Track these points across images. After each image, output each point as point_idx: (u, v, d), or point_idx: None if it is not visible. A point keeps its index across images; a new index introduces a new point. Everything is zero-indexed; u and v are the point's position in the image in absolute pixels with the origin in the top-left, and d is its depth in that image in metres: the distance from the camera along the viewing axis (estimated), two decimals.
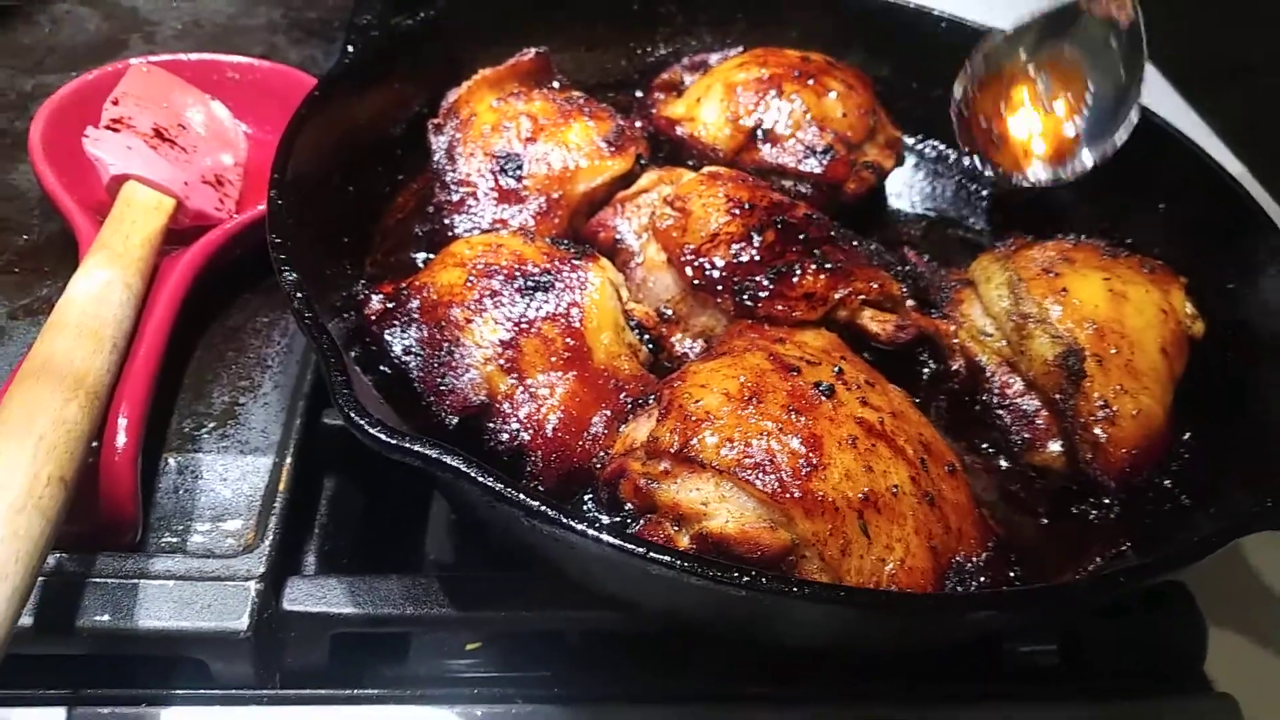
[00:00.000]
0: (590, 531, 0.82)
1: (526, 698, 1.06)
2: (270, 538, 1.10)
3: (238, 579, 1.05)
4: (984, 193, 1.66)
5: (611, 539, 0.82)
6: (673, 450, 1.00)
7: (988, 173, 1.56)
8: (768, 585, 0.82)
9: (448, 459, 0.87)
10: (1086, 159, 1.47)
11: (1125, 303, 1.23)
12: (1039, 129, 1.55)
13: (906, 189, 1.69)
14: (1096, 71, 1.50)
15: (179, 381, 1.27)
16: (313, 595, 1.06)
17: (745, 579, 0.81)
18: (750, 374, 1.06)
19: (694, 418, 1.02)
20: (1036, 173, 1.52)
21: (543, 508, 0.83)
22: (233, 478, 1.18)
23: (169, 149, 1.41)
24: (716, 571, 0.82)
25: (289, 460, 1.18)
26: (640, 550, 0.82)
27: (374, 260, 1.35)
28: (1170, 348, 1.24)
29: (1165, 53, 1.60)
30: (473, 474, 0.86)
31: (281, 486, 1.16)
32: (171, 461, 1.19)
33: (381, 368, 1.15)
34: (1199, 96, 2.21)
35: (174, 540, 1.12)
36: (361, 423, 0.88)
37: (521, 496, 0.84)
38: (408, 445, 0.87)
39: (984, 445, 1.23)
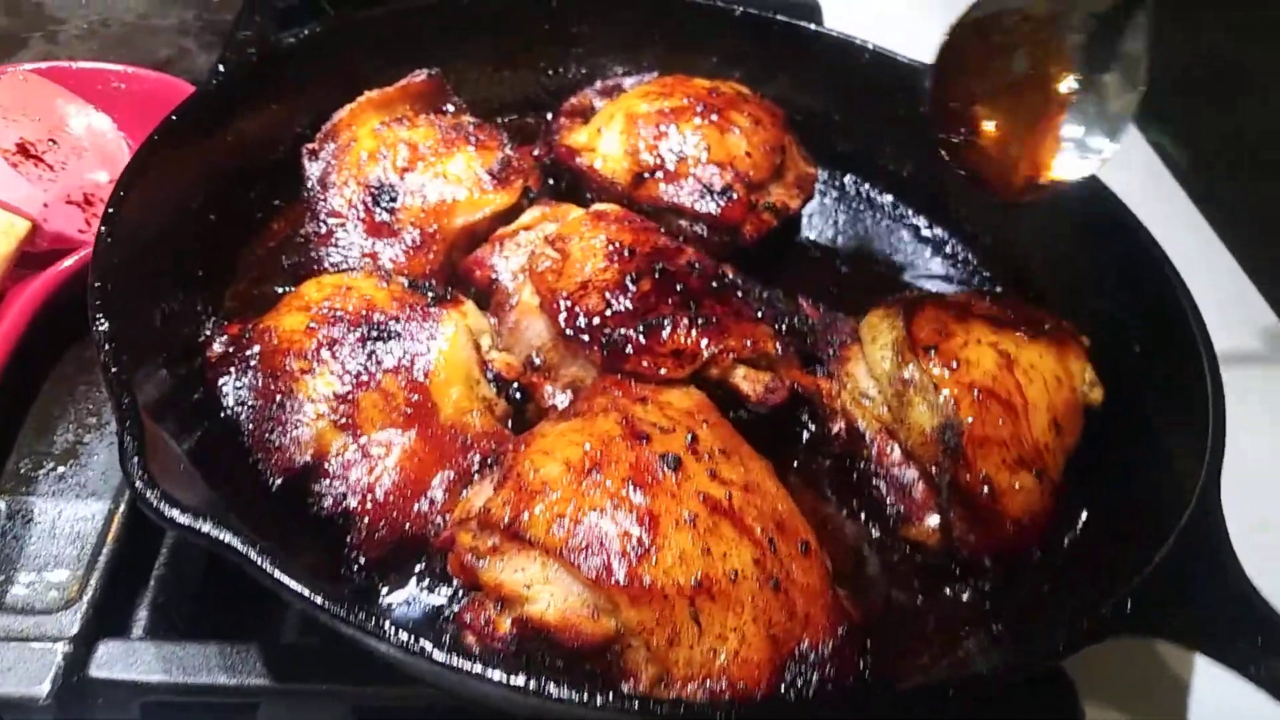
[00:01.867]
0: (364, 634, 0.76)
1: None
2: (90, 593, 1.04)
3: (46, 639, 0.99)
4: (903, 233, 1.61)
5: (391, 642, 0.76)
6: (503, 524, 0.94)
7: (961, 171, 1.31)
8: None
9: (227, 538, 0.81)
10: (1077, 168, 1.25)
11: (1015, 369, 1.17)
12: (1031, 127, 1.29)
13: (825, 225, 1.62)
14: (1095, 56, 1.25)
15: (22, 416, 1.21)
16: (123, 660, 1.00)
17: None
18: (596, 441, 1.00)
19: (529, 489, 0.96)
20: (1023, 190, 1.29)
21: (318, 602, 0.77)
22: (65, 524, 1.12)
23: (32, 166, 1.35)
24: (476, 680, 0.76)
25: (123, 507, 1.12)
26: (420, 652, 0.76)
27: (236, 292, 1.29)
28: (1062, 418, 1.18)
29: None
30: (254, 559, 0.80)
31: (111, 535, 1.10)
32: (2, 505, 1.13)
33: (222, 415, 1.09)
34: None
35: None
36: (146, 493, 0.83)
37: (298, 589, 0.78)
38: (185, 523, 0.82)
39: (861, 514, 1.17)
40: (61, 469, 1.17)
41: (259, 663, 1.01)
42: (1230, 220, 1.94)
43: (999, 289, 1.50)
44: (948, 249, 1.60)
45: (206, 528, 0.81)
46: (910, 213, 1.64)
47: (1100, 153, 1.23)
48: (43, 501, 1.14)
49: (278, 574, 0.79)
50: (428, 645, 0.75)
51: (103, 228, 1.06)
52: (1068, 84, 1.26)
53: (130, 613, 1.11)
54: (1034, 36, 1.26)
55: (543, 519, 0.93)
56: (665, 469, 0.98)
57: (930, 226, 1.62)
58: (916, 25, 1.45)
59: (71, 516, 1.13)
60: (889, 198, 1.67)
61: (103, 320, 0.96)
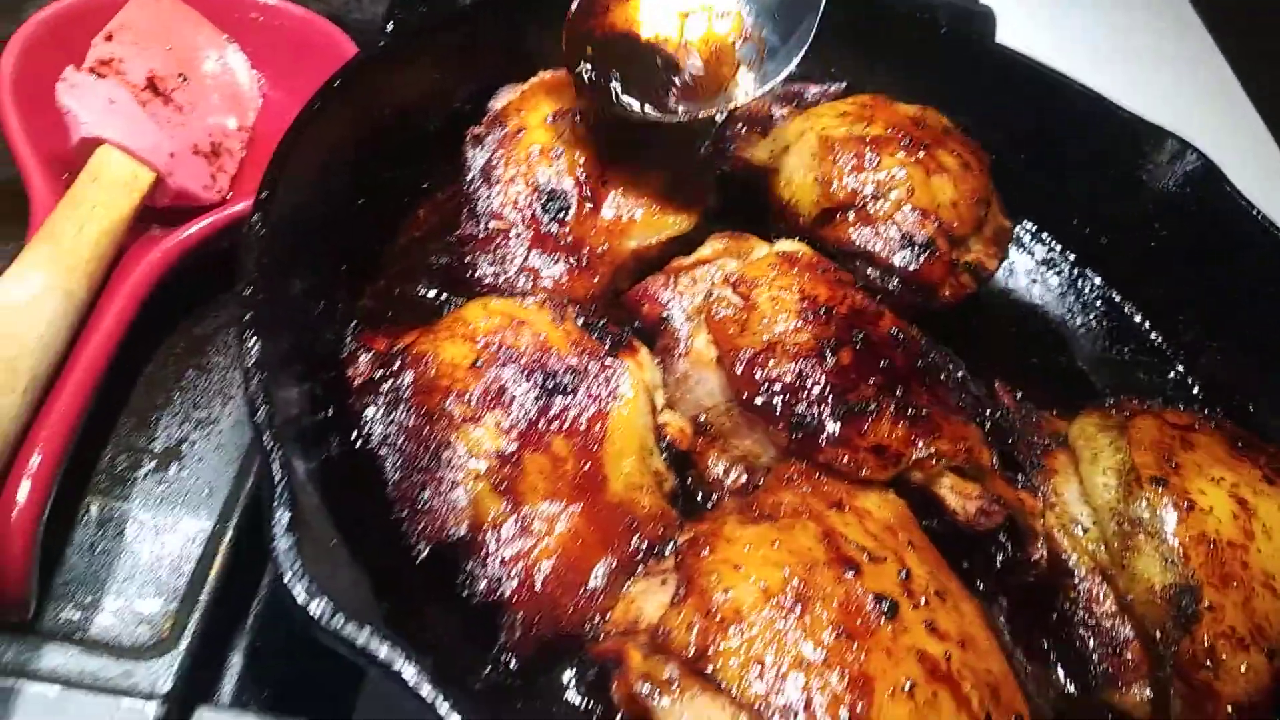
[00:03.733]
0: None
1: None
2: (188, 640, 0.91)
3: (137, 694, 0.86)
4: (1095, 312, 1.43)
5: None
6: (686, 655, 0.80)
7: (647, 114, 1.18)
8: None
9: (395, 664, 0.67)
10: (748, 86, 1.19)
11: (1253, 521, 1.02)
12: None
13: (1003, 290, 1.45)
14: None
15: (123, 401, 1.07)
16: None
17: None
18: (797, 563, 0.85)
19: (719, 616, 0.81)
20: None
21: None
22: (162, 540, 0.99)
23: (160, 106, 1.19)
24: None
25: (230, 531, 0.99)
26: None
27: (376, 290, 1.13)
28: None
29: None
30: (425, 696, 0.67)
31: (216, 566, 0.96)
32: (93, 509, 1.00)
33: (353, 438, 0.95)
34: None
35: (75, 617, 0.93)
36: (302, 599, 0.69)
37: None
38: (351, 637, 0.68)
39: (1052, 658, 1.03)
40: (162, 473, 1.04)
41: None
42: None
43: (1210, 411, 1.32)
44: (1151, 340, 1.42)
45: (375, 646, 0.67)
46: (1106, 287, 1.46)
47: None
48: (138, 510, 1.01)
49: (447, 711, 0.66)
50: None
51: (255, 217, 0.90)
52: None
53: (221, 668, 0.98)
54: None
55: (739, 663, 0.79)
56: (880, 615, 0.83)
57: (1131, 310, 1.44)
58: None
59: (170, 533, 1.00)
60: (1082, 266, 1.49)
61: (254, 340, 0.81)
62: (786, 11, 1.23)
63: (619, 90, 1.16)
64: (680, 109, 1.18)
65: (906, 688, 0.80)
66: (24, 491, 0.87)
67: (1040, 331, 1.41)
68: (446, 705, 0.67)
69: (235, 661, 0.98)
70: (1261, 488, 1.05)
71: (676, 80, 1.21)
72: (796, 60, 1.19)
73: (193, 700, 0.89)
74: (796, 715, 0.77)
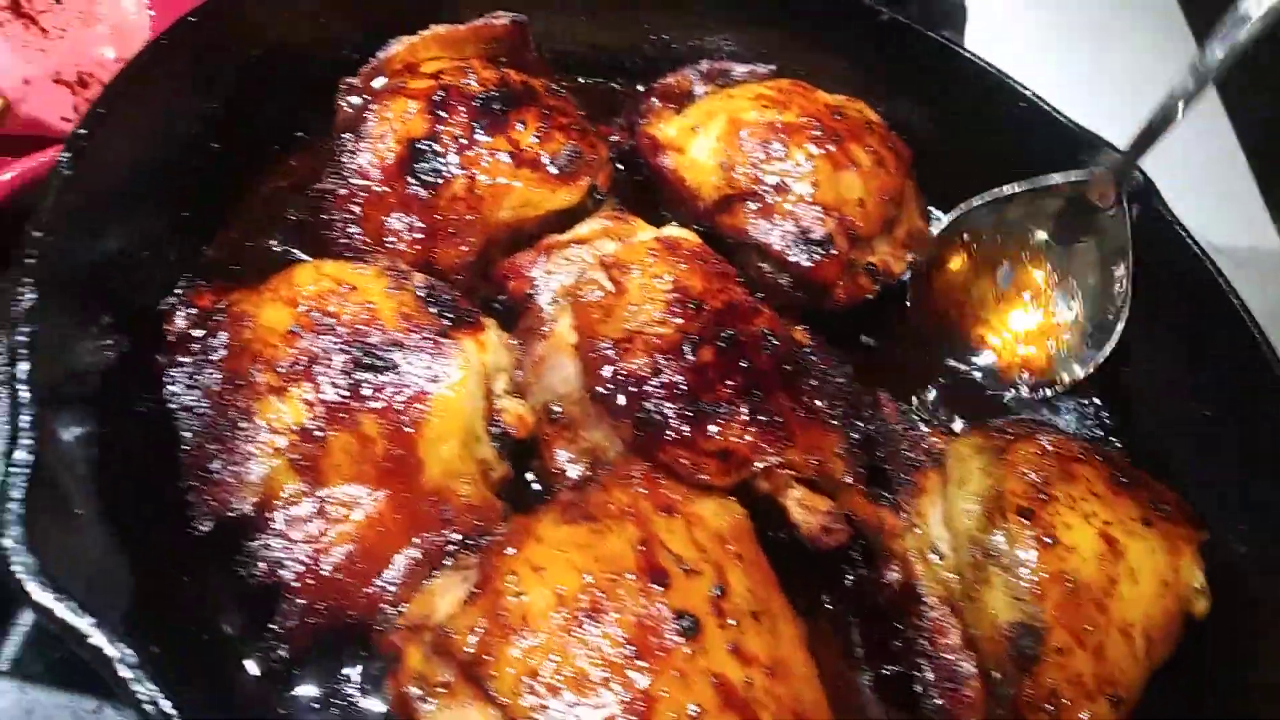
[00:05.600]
0: None
1: None
2: None
3: None
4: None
5: None
6: (464, 658, 0.75)
7: (952, 362, 1.29)
8: None
9: (102, 647, 0.62)
10: (1073, 371, 1.25)
11: (1120, 564, 0.96)
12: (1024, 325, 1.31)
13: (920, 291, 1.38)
14: (1086, 269, 1.28)
15: None
16: None
17: None
18: (602, 571, 0.79)
19: (506, 620, 0.76)
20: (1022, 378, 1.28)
21: None
22: None
23: (20, 29, 1.12)
24: None
25: None
26: None
27: (226, 239, 1.07)
28: (1158, 631, 0.97)
29: None
30: (129, 682, 0.61)
31: None
32: None
33: (147, 407, 0.88)
34: None
35: None
36: (16, 566, 0.63)
37: None
38: (60, 614, 0.63)
39: (890, 684, 0.98)
40: None
41: None
42: None
43: (1113, 439, 1.26)
44: None
45: (92, 631, 0.61)
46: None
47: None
48: None
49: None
50: None
51: (64, 156, 0.84)
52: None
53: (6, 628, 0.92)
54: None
55: (513, 675, 0.73)
56: (677, 636, 0.77)
57: None
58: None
59: None
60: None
61: (31, 295, 0.75)
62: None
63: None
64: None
65: (691, 712, 0.75)
66: None
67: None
68: (151, 691, 0.61)
69: (24, 622, 0.92)
70: (1135, 528, 1.00)
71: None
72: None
73: None
74: None
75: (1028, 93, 1.36)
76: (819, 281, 1.17)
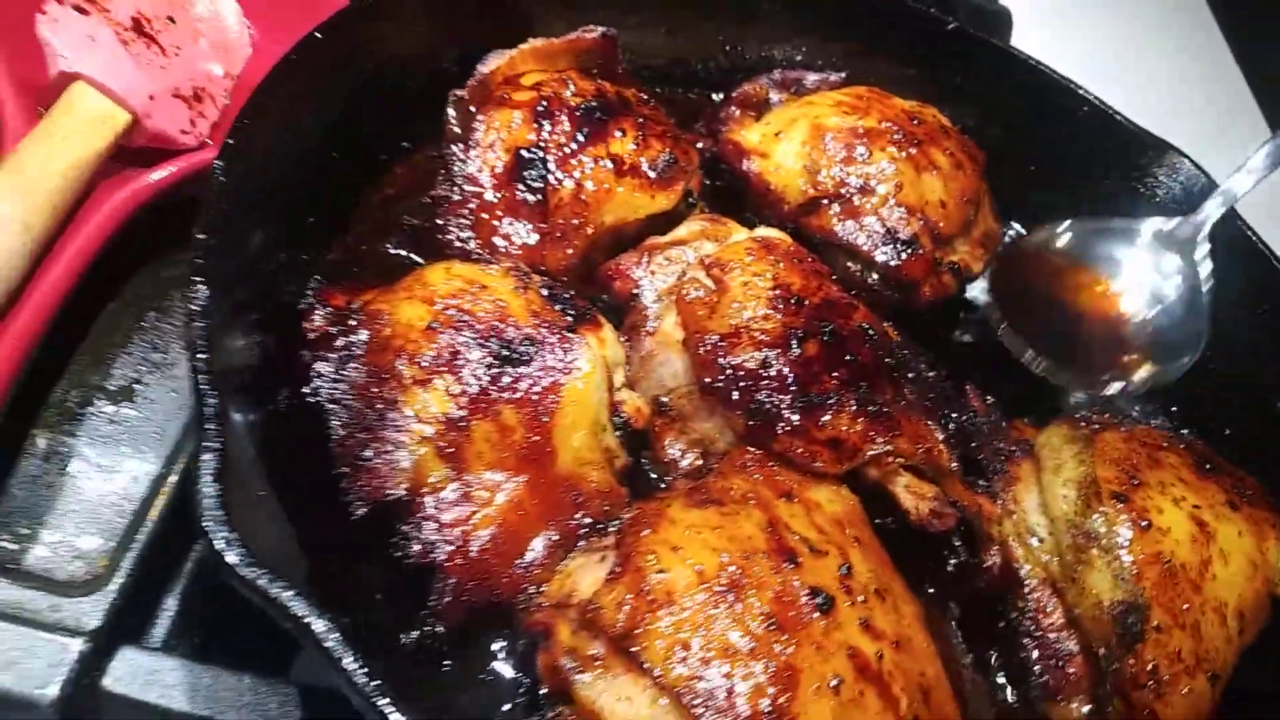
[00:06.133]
0: None
1: None
2: (120, 580, 0.90)
3: (62, 630, 0.85)
4: None
5: None
6: (614, 632, 0.79)
7: (1030, 360, 1.27)
8: None
9: (307, 620, 0.66)
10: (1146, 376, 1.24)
11: (1211, 545, 1.01)
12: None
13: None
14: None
15: (79, 339, 1.06)
16: (144, 678, 0.87)
17: None
18: (737, 551, 0.84)
19: (651, 595, 0.80)
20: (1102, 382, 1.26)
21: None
22: (106, 479, 0.98)
23: (143, 47, 1.17)
24: None
25: (174, 476, 0.98)
26: None
27: (344, 244, 1.12)
28: (1248, 611, 1.02)
29: None
30: (333, 653, 0.66)
31: (156, 509, 0.96)
32: (41, 441, 0.99)
33: (302, 393, 0.93)
34: None
35: (11, 548, 0.92)
36: (220, 545, 0.68)
37: (377, 702, 0.64)
38: (265, 588, 0.67)
39: (995, 666, 1.02)
40: (112, 409, 1.03)
41: (296, 710, 0.87)
42: None
43: (1186, 431, 1.30)
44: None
45: (286, 600, 0.66)
46: None
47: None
48: (86, 447, 1.00)
49: (362, 686, 0.65)
50: None
51: (219, 164, 0.89)
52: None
53: (153, 611, 0.97)
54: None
55: (665, 645, 0.78)
56: (814, 611, 0.82)
57: None
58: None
59: (115, 472, 0.99)
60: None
61: (202, 287, 0.80)
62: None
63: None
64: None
65: (833, 683, 0.79)
66: None
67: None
68: (353, 663, 0.66)
69: (170, 605, 0.97)
70: (1223, 512, 1.04)
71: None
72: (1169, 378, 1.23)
73: (119, 640, 0.88)
74: (717, 702, 0.75)
75: (1091, 97, 1.42)
76: (908, 279, 1.21)
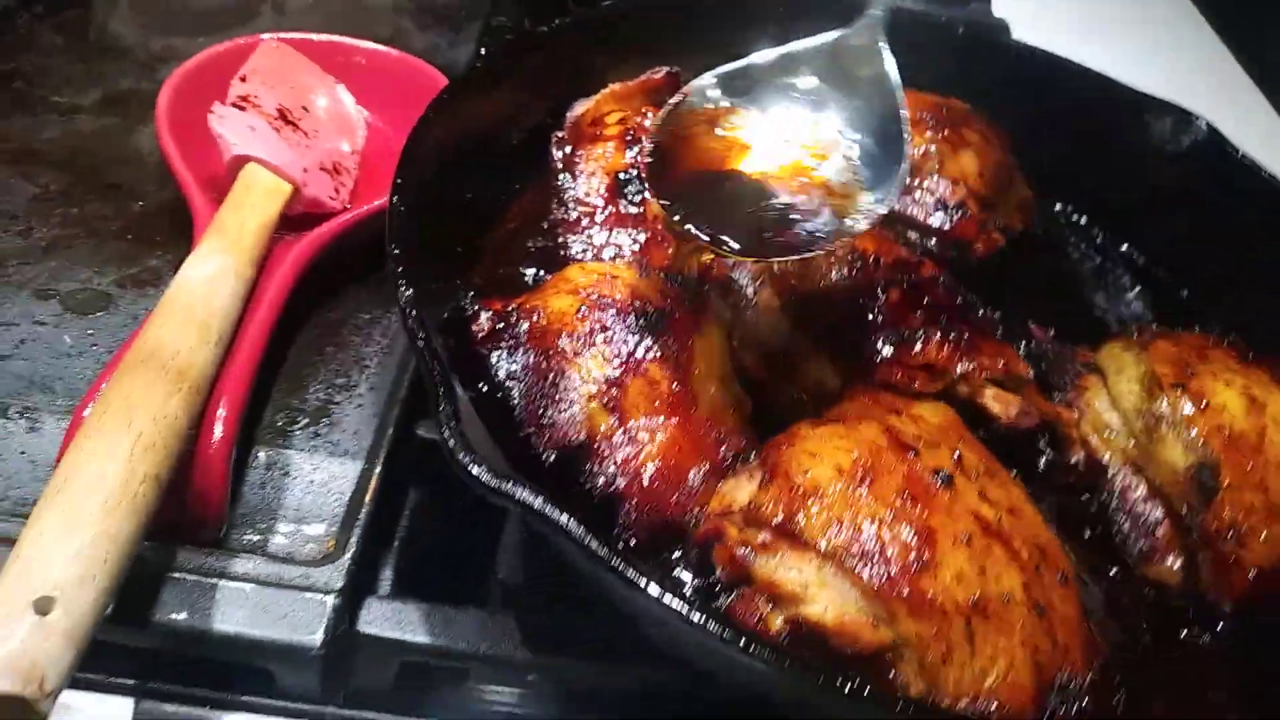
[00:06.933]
0: (693, 615, 0.78)
1: None
2: (352, 550, 1.08)
3: (316, 590, 1.03)
4: (1119, 272, 1.59)
5: (714, 624, 0.78)
6: (775, 522, 0.96)
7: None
8: (871, 698, 0.77)
9: (551, 512, 0.83)
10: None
11: (1264, 415, 1.16)
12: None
13: (1031, 255, 1.61)
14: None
15: (276, 371, 1.26)
16: (389, 619, 1.04)
17: (850, 688, 0.77)
18: (864, 449, 1.01)
19: (801, 490, 0.97)
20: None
21: (644, 583, 0.80)
22: (320, 480, 1.17)
23: (291, 132, 1.40)
24: (817, 676, 0.77)
25: (378, 470, 1.16)
26: (743, 643, 0.77)
27: (482, 273, 1.32)
28: None
29: None
30: (580, 537, 0.83)
31: (368, 497, 1.14)
32: (261, 455, 1.17)
33: (480, 386, 1.12)
34: None
35: (256, 539, 1.10)
36: (466, 462, 0.86)
37: (626, 570, 0.81)
38: (511, 491, 0.85)
39: (1095, 548, 1.17)
40: (314, 426, 1.21)
41: (515, 633, 1.04)
42: None
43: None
44: (1170, 293, 1.57)
45: (531, 499, 0.83)
46: (1126, 249, 1.62)
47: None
48: (298, 456, 1.18)
49: (608, 557, 0.82)
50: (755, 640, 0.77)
51: (394, 197, 1.09)
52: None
53: (375, 574, 1.15)
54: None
55: (819, 522, 0.94)
56: (938, 484, 0.98)
57: (1152, 268, 1.59)
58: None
59: (326, 473, 1.17)
60: (1104, 233, 1.64)
61: (406, 287, 1.00)
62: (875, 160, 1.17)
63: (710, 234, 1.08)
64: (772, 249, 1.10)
65: (965, 539, 0.95)
66: (217, 431, 1.06)
67: (1064, 288, 1.56)
68: (600, 546, 0.82)
69: (386, 574, 1.15)
70: (1271, 388, 1.19)
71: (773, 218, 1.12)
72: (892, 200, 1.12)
73: (362, 594, 1.05)
74: (873, 559, 0.92)
75: (1089, 70, 1.61)
76: (962, 238, 1.40)
